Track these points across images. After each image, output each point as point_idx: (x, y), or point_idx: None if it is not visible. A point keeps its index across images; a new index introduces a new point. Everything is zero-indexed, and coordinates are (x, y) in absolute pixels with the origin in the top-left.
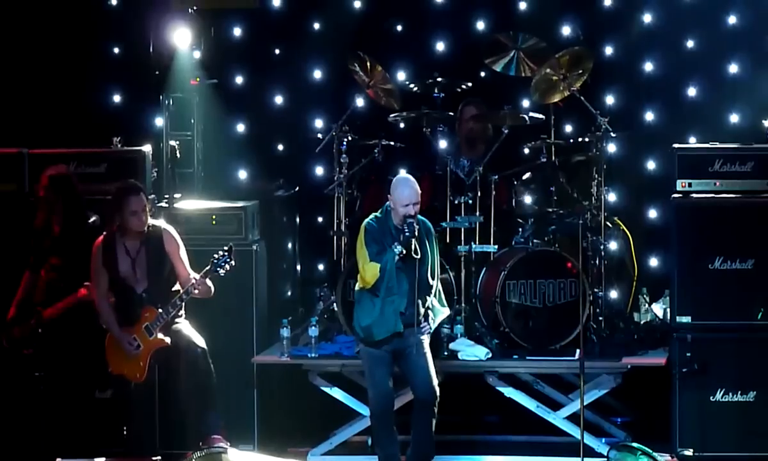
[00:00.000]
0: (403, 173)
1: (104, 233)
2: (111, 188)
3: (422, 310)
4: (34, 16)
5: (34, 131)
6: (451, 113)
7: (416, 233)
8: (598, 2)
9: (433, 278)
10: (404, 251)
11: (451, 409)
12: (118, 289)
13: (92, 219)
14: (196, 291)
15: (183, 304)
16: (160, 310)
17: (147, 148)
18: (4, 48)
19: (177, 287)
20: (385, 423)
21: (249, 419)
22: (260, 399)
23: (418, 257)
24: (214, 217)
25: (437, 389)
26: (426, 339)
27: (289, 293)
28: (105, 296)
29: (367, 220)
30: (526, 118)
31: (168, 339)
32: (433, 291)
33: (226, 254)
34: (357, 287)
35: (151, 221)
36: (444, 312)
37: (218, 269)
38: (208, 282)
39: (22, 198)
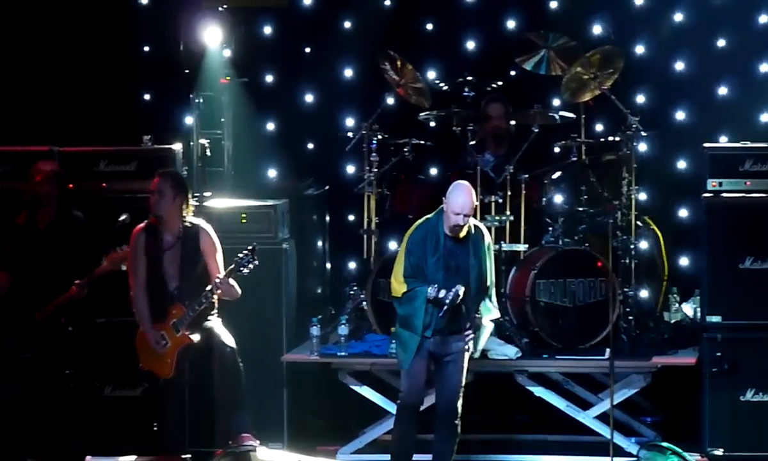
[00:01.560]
0: (464, 182)
1: (145, 222)
2: (141, 186)
3: (473, 319)
4: (65, 14)
5: (65, 128)
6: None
7: (455, 303)
8: (629, 1)
9: (483, 290)
10: (434, 303)
11: (481, 408)
12: (153, 283)
13: (123, 217)
14: (219, 291)
15: (208, 303)
16: (187, 307)
17: (177, 146)
18: (35, 46)
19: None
20: (409, 416)
21: (278, 417)
22: (290, 397)
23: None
24: (243, 215)
25: (459, 408)
26: (468, 349)
27: (319, 292)
28: (143, 285)
29: (415, 225)
30: (557, 117)
31: (196, 337)
32: (487, 295)
33: (249, 253)
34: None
35: (190, 219)
36: (493, 314)
37: (241, 268)
38: (232, 282)
39: None
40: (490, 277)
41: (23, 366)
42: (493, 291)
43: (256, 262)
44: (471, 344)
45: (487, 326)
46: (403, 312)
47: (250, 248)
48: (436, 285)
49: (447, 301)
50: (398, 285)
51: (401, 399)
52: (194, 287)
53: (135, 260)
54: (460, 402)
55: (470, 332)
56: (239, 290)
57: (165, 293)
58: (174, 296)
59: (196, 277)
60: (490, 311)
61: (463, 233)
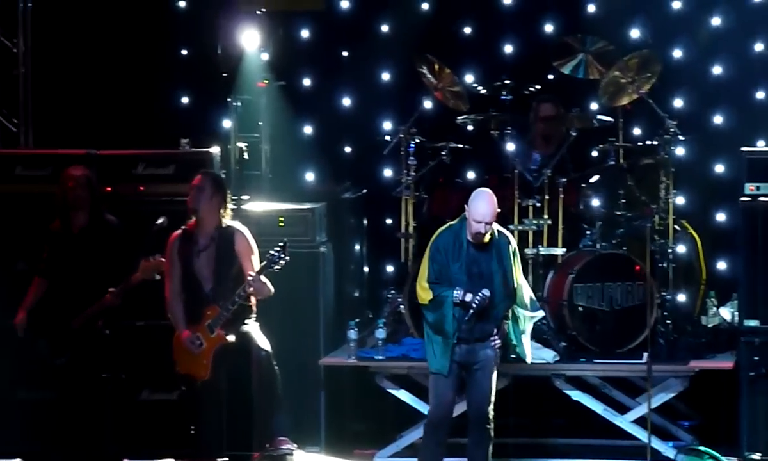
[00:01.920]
0: (485, 189)
1: (182, 227)
2: (179, 190)
3: (499, 324)
4: (103, 18)
5: (104, 132)
6: (520, 115)
7: (483, 306)
8: (667, 5)
9: (508, 294)
10: (457, 302)
11: (518, 412)
12: (188, 286)
13: (160, 221)
14: (251, 288)
15: (242, 301)
16: (221, 307)
17: (215, 149)
18: (74, 50)
19: None
20: (437, 433)
21: (316, 421)
22: (327, 401)
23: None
24: (281, 219)
25: (491, 413)
26: (497, 354)
27: (357, 295)
28: (177, 291)
29: (439, 231)
30: (595, 121)
31: (231, 337)
32: (514, 301)
33: (280, 250)
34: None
35: (226, 221)
36: (534, 315)
37: (272, 265)
38: (264, 280)
39: None
40: (518, 280)
41: (59, 370)
42: (528, 292)
43: (288, 258)
44: (499, 338)
45: (527, 331)
46: (433, 319)
47: (281, 244)
48: (460, 289)
49: (474, 304)
50: (423, 292)
51: (428, 415)
52: (229, 288)
53: (170, 265)
54: (491, 407)
55: (496, 338)
56: (272, 288)
57: (200, 296)
58: (209, 297)
59: (231, 278)
60: (531, 309)
61: (486, 239)
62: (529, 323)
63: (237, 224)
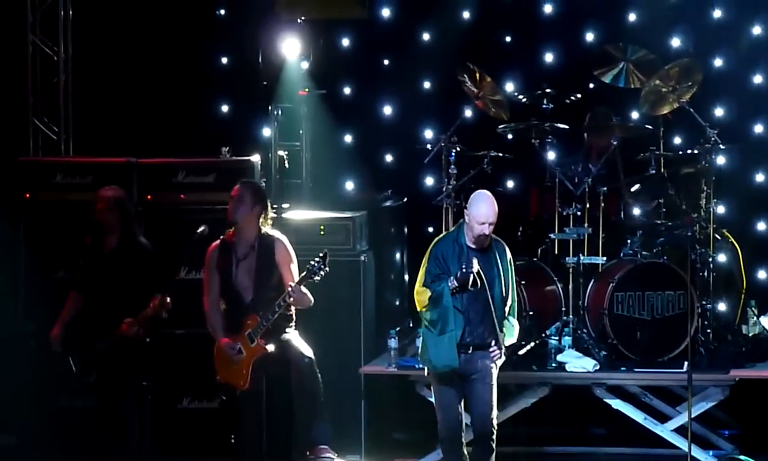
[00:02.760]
0: (483, 191)
1: (221, 238)
2: (220, 198)
3: (497, 333)
4: (143, 26)
5: (144, 140)
6: (562, 125)
7: (477, 271)
8: (708, 14)
9: (505, 302)
10: (458, 287)
11: (558, 421)
12: (228, 296)
13: (201, 229)
14: (291, 299)
15: (281, 311)
16: (261, 317)
17: (255, 158)
18: (114, 58)
19: None
20: (453, 448)
21: (356, 429)
22: (368, 409)
23: (477, 288)
24: (322, 227)
25: (494, 424)
26: (496, 366)
27: (397, 304)
28: (216, 301)
29: (438, 238)
30: (636, 129)
31: (271, 347)
32: (507, 311)
33: (320, 260)
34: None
35: (266, 230)
36: (514, 328)
37: (312, 276)
38: (304, 290)
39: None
40: (512, 292)
41: (92, 384)
42: (515, 307)
43: (327, 269)
44: (500, 350)
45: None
46: (435, 316)
47: (321, 254)
48: (451, 277)
49: (470, 273)
50: (420, 295)
51: (439, 432)
52: (270, 297)
53: (209, 276)
54: (494, 421)
55: (496, 349)
56: (312, 298)
57: (240, 306)
58: (250, 307)
59: (271, 288)
60: (511, 335)
61: (487, 243)
62: (510, 339)
63: (276, 233)
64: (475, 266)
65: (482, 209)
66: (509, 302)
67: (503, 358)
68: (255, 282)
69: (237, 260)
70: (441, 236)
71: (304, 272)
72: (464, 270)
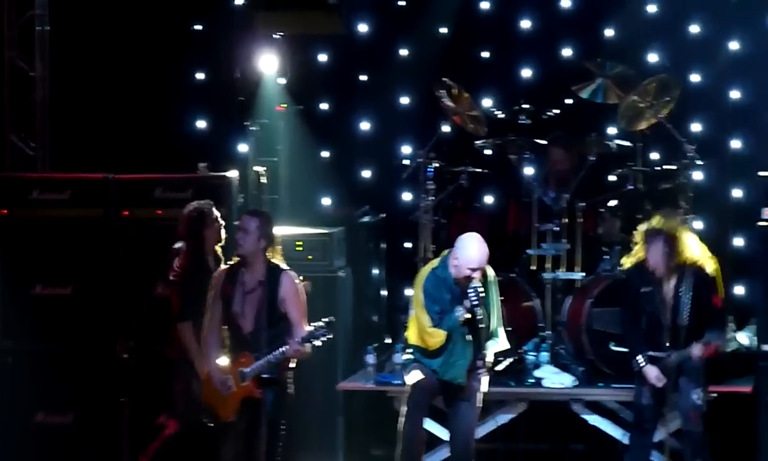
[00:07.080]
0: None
1: (228, 263)
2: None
3: (483, 356)
4: (120, 42)
5: (121, 156)
6: (538, 140)
7: (480, 301)
8: (685, 30)
9: (494, 326)
10: (467, 316)
11: (536, 437)
12: (228, 324)
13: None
14: (290, 353)
15: (277, 362)
16: (256, 359)
17: (233, 174)
18: (91, 74)
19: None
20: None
21: (334, 445)
22: (345, 425)
23: (481, 322)
24: (299, 243)
25: (473, 449)
26: (483, 384)
27: (375, 320)
28: (215, 326)
29: (423, 276)
30: (613, 145)
31: (259, 392)
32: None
33: (326, 327)
34: (412, 342)
35: (274, 260)
36: (500, 341)
37: (314, 339)
38: (306, 348)
39: (107, 224)
40: (497, 313)
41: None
42: (500, 328)
43: (331, 336)
44: (485, 368)
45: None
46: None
47: (326, 320)
48: (459, 308)
49: (474, 300)
50: (434, 337)
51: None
52: (268, 335)
53: (212, 301)
54: (473, 440)
55: (482, 370)
56: (309, 351)
57: (239, 337)
58: (248, 340)
59: (272, 324)
60: (497, 343)
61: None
62: (496, 346)
63: (284, 266)
64: (480, 295)
65: (474, 255)
66: (494, 320)
67: (488, 375)
68: (255, 316)
69: (243, 292)
70: (424, 271)
71: (307, 333)
72: (473, 302)
